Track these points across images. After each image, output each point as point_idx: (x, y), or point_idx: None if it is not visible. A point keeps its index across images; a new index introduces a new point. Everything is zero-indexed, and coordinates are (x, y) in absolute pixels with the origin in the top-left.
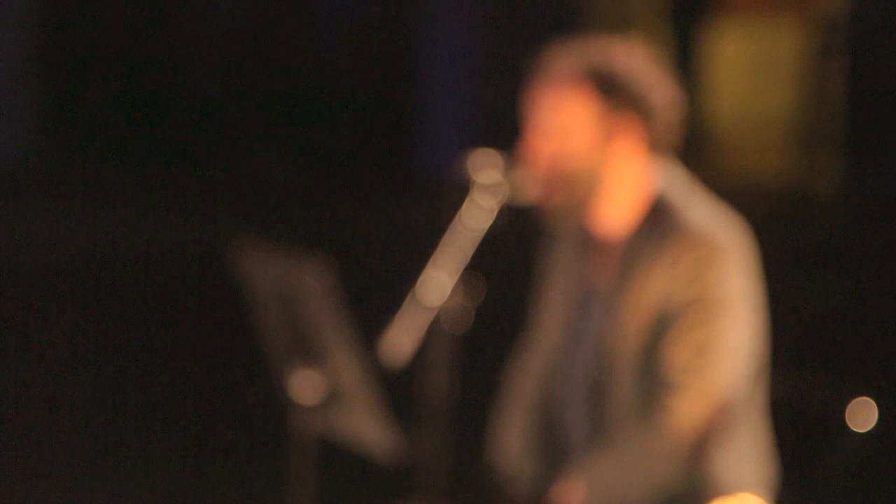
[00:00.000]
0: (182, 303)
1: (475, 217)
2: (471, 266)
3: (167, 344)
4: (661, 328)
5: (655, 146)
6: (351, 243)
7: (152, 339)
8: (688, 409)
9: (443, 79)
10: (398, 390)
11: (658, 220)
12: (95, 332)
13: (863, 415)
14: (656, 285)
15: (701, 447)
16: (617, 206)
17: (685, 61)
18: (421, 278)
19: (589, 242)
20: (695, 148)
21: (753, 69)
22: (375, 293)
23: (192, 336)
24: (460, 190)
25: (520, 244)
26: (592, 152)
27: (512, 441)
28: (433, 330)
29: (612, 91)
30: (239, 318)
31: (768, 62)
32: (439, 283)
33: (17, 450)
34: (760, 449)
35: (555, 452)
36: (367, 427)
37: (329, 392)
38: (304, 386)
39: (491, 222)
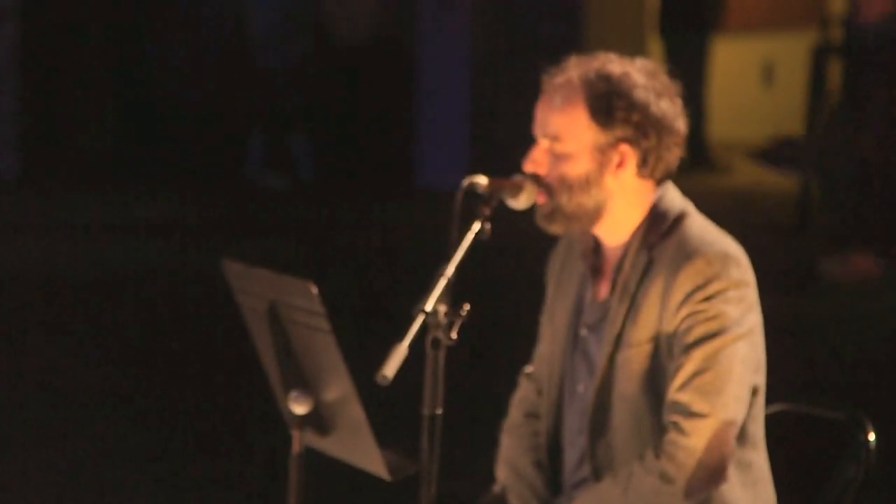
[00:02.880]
0: (177, 317)
1: (476, 229)
2: (460, 275)
3: (164, 357)
4: (663, 340)
5: (656, 160)
6: (353, 255)
7: (148, 353)
8: (701, 429)
9: (443, 92)
10: (390, 403)
11: (656, 232)
12: (94, 349)
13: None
14: (655, 297)
15: (713, 471)
16: (617, 218)
17: (686, 74)
18: (428, 295)
19: (593, 252)
20: (696, 161)
21: (755, 81)
22: (377, 307)
23: (190, 349)
24: (462, 203)
25: (517, 253)
26: (591, 164)
27: (510, 451)
28: (421, 340)
29: (609, 105)
30: (236, 331)
31: (770, 74)
32: (431, 291)
33: (22, 469)
34: (762, 472)
35: (554, 463)
36: (360, 445)
37: (321, 410)
38: (299, 403)
39: (484, 231)
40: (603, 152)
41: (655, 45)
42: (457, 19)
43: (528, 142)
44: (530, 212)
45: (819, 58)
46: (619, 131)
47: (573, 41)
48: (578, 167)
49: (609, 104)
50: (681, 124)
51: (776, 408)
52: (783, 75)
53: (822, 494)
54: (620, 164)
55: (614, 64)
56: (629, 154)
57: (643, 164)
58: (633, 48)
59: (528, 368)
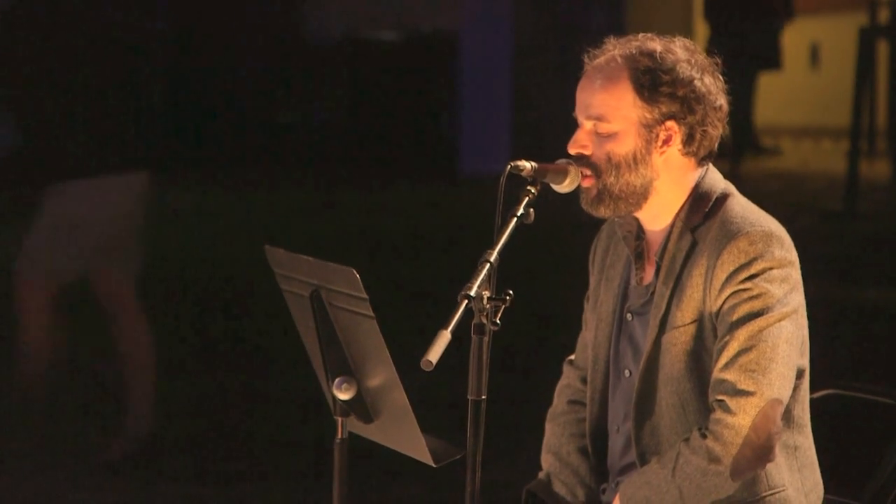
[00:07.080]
0: (217, 303)
1: (519, 214)
2: (503, 260)
3: (204, 343)
4: (707, 320)
5: (702, 136)
6: (396, 240)
7: (185, 339)
8: (747, 407)
9: (485, 79)
10: (433, 390)
11: (699, 213)
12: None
13: None
14: (698, 278)
15: (760, 450)
16: (662, 200)
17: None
18: (471, 280)
19: (636, 237)
20: (742, 143)
21: (801, 64)
22: (420, 292)
23: (231, 334)
24: (506, 188)
25: (561, 237)
26: (637, 141)
27: (555, 438)
28: (464, 326)
29: (654, 80)
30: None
31: (816, 56)
32: (475, 276)
33: (56, 455)
34: (809, 457)
35: (599, 450)
36: (404, 432)
37: (364, 397)
38: (343, 390)
39: (527, 216)
40: (649, 129)
41: (702, 29)
42: (499, 6)
43: (570, 128)
44: (573, 198)
45: (866, 39)
46: (665, 107)
47: (616, 26)
48: (625, 145)
49: (654, 79)
50: (723, 101)
51: (825, 392)
52: (830, 58)
53: (870, 479)
54: (667, 141)
55: (654, 42)
56: (675, 130)
57: (689, 140)
58: (679, 33)
59: (572, 356)
